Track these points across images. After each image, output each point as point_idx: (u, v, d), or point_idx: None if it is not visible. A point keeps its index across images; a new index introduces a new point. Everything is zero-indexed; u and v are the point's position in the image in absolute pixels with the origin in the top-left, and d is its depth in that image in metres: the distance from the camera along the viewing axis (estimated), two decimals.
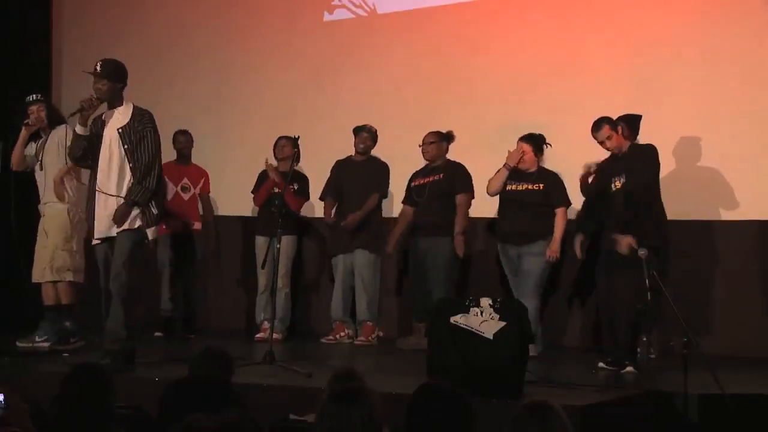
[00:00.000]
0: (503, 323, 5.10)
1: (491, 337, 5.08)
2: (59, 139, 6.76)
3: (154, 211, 5.91)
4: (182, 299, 7.82)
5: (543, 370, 5.87)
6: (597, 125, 6.19)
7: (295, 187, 7.45)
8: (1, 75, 8.55)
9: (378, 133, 7.52)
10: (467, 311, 5.19)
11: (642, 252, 5.48)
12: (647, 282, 5.41)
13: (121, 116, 5.96)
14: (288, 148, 7.49)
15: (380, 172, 7.49)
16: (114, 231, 5.84)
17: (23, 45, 8.79)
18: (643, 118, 6.42)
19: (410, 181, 7.37)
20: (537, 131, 6.85)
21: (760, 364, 6.31)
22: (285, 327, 7.54)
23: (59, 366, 5.35)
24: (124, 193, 5.84)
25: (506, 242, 6.85)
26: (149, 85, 8.69)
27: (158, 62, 8.76)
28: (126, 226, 5.81)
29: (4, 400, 3.28)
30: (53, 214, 6.80)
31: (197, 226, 7.81)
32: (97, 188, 5.87)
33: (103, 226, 5.87)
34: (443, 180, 7.16)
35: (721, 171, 6.96)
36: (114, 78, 5.99)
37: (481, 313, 5.16)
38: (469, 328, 5.13)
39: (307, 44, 8.31)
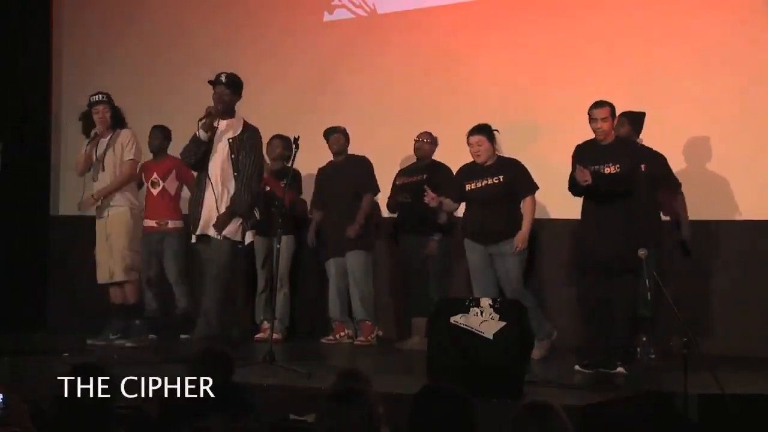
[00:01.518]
0: (503, 323, 5.10)
1: (491, 337, 5.08)
2: (122, 142, 7.07)
3: (257, 216, 6.53)
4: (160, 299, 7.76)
5: (543, 370, 5.87)
6: (600, 103, 5.99)
7: (285, 182, 7.40)
8: (1, 75, 8.55)
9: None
10: (467, 311, 5.19)
11: (642, 252, 5.47)
12: (647, 282, 5.41)
13: (232, 127, 6.44)
14: (279, 148, 7.50)
15: (364, 170, 7.43)
16: (213, 233, 6.34)
17: (23, 45, 8.79)
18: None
19: (395, 179, 7.41)
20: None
21: (760, 364, 6.30)
22: (284, 327, 7.54)
23: (59, 366, 5.35)
24: (227, 199, 6.34)
25: (474, 240, 6.54)
26: (149, 84, 8.71)
27: (158, 62, 8.76)
28: (227, 234, 6.33)
29: (3, 400, 3.28)
30: (117, 215, 7.04)
31: (173, 224, 7.60)
32: (208, 191, 6.33)
33: (206, 224, 6.36)
34: (427, 180, 7.11)
35: (721, 171, 6.96)
36: (237, 90, 6.52)
37: (481, 313, 5.16)
38: (469, 328, 5.13)
39: (307, 44, 8.30)
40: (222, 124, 6.44)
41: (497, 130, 6.50)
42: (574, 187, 6.05)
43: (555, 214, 7.14)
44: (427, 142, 7.29)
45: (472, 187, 6.46)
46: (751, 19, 6.92)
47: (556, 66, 7.40)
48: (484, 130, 6.46)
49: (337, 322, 7.53)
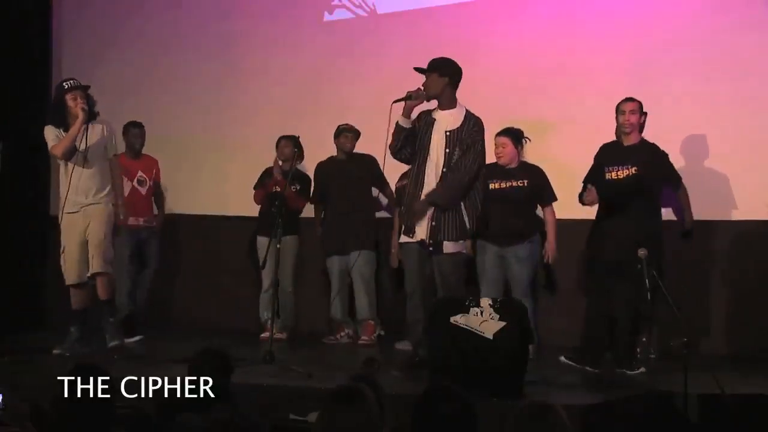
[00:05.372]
0: (503, 323, 5.10)
1: (491, 337, 5.08)
2: (104, 136, 6.51)
3: (467, 224, 5.78)
4: (137, 297, 7.69)
5: (543, 370, 5.87)
6: (631, 98, 6.19)
7: (297, 188, 7.45)
8: (1, 74, 8.54)
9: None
10: (467, 311, 5.20)
11: (642, 252, 5.47)
12: (647, 282, 5.41)
13: (452, 119, 5.83)
14: (288, 148, 7.51)
15: (377, 169, 7.27)
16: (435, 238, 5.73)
17: (23, 44, 8.77)
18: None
19: (398, 183, 7.37)
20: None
21: (760, 364, 6.30)
22: (287, 326, 7.54)
23: (59, 366, 5.35)
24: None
25: (488, 241, 6.65)
26: (150, 84, 8.70)
27: (159, 62, 8.75)
28: (452, 249, 5.73)
29: (3, 400, 3.28)
30: (100, 207, 6.51)
31: (155, 221, 7.76)
32: (419, 188, 5.78)
33: (423, 226, 5.78)
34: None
35: (721, 171, 6.96)
36: (444, 72, 5.83)
37: (481, 313, 5.16)
38: (469, 328, 5.14)
39: (307, 44, 8.30)
40: (443, 115, 5.84)
41: (529, 139, 6.67)
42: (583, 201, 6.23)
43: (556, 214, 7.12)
44: None
45: (497, 186, 6.59)
46: (752, 20, 6.92)
47: (557, 65, 7.40)
48: (510, 133, 6.65)
49: (338, 321, 7.54)
